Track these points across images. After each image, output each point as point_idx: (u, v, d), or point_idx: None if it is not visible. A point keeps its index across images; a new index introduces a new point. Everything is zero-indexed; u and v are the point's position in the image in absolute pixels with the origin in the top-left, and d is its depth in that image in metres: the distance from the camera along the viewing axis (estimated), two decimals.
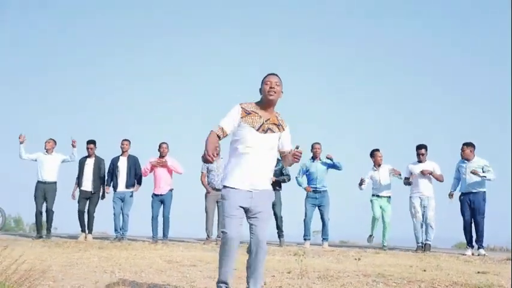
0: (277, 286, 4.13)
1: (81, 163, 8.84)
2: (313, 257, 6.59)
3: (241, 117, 3.30)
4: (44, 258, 5.52)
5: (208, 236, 8.46)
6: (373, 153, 8.40)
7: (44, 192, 8.65)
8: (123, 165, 8.69)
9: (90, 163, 8.81)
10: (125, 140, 8.87)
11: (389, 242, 8.39)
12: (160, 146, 8.68)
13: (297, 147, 3.32)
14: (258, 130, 3.29)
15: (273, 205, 7.69)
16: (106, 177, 8.80)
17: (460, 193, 7.81)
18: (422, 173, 7.94)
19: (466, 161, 7.74)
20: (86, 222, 8.69)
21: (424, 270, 5.33)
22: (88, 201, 8.70)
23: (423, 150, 8.09)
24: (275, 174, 8.03)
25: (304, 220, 8.31)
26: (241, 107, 3.33)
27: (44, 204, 8.69)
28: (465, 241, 7.85)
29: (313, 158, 8.43)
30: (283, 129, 3.41)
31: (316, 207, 8.30)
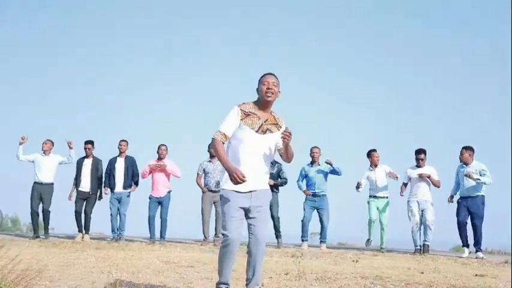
0: (274, 287, 4.13)
1: (79, 164, 8.81)
2: (311, 258, 6.58)
3: (241, 119, 3.29)
4: (40, 258, 5.49)
5: (205, 237, 8.44)
6: (370, 154, 8.39)
7: (40, 193, 8.61)
8: (120, 166, 8.67)
9: (87, 163, 8.78)
10: (123, 140, 8.85)
11: (387, 245, 8.39)
12: (159, 148, 8.66)
13: (286, 128, 3.32)
14: (257, 131, 3.29)
15: (270, 206, 7.65)
16: (104, 178, 8.78)
17: (458, 197, 7.81)
18: (420, 176, 7.93)
19: (464, 165, 7.75)
20: (83, 223, 8.67)
21: (422, 273, 5.32)
22: (85, 202, 8.68)
23: (422, 155, 8.07)
24: (272, 177, 8.02)
25: (302, 221, 8.30)
26: (240, 109, 3.32)
27: (41, 205, 8.66)
28: (462, 244, 7.83)
29: (312, 162, 8.42)
30: (281, 128, 3.41)
31: (315, 210, 8.29)
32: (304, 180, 8.43)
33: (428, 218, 7.83)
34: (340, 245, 10.95)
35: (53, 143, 8.94)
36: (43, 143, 8.83)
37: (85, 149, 8.85)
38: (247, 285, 3.35)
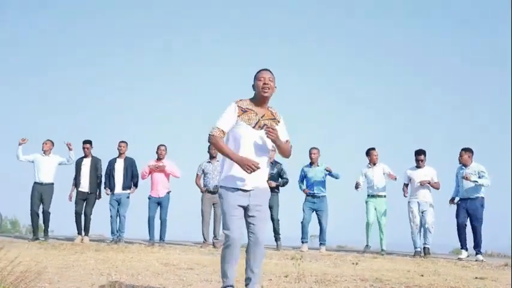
0: None
1: (78, 164, 8.81)
2: (311, 261, 6.57)
3: (238, 116, 3.29)
4: (39, 260, 5.48)
5: (205, 239, 8.43)
6: (369, 152, 8.40)
7: (41, 193, 8.62)
8: (119, 167, 8.67)
9: (86, 163, 8.78)
10: (122, 141, 8.85)
11: (387, 247, 8.36)
12: (158, 148, 8.66)
13: (270, 123, 3.30)
14: (254, 127, 3.28)
15: (271, 208, 7.67)
16: (104, 179, 8.77)
17: (458, 199, 7.81)
18: (422, 184, 7.92)
19: (463, 167, 7.75)
20: (83, 224, 8.65)
21: (422, 275, 5.31)
22: (85, 203, 8.67)
23: (422, 156, 8.07)
24: (273, 178, 8.01)
25: (302, 223, 8.29)
26: (238, 105, 3.31)
27: (41, 206, 8.66)
28: (460, 246, 7.82)
29: (311, 163, 8.42)
30: (279, 122, 3.41)
31: (314, 212, 8.28)
32: (304, 181, 8.44)
33: (428, 220, 7.82)
34: (340, 248, 10.92)
35: (53, 143, 8.94)
36: (43, 143, 8.84)
37: (83, 148, 8.85)
38: (246, 285, 3.34)
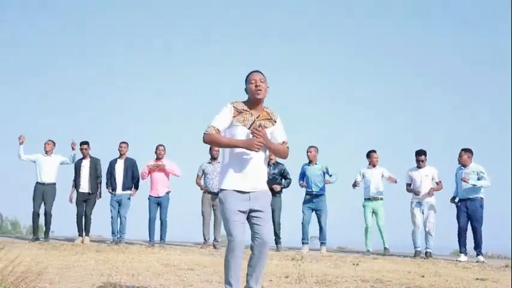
0: None
1: (77, 165, 8.81)
2: (311, 262, 6.56)
3: (233, 116, 3.27)
4: (40, 260, 5.47)
5: (205, 240, 8.43)
6: (369, 154, 8.41)
7: (43, 193, 8.63)
8: (120, 167, 8.69)
9: (86, 164, 8.79)
10: (123, 142, 8.86)
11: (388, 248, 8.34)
12: (157, 148, 8.67)
13: (259, 125, 3.26)
14: (249, 128, 3.26)
15: (273, 211, 7.67)
16: (105, 180, 8.77)
17: (458, 199, 7.81)
18: (429, 194, 7.88)
19: (462, 167, 7.75)
20: (83, 226, 8.66)
21: (423, 276, 5.31)
22: (85, 204, 8.66)
23: (423, 157, 8.07)
24: (275, 178, 8.01)
25: (302, 223, 8.29)
26: (233, 106, 3.30)
27: (43, 207, 8.66)
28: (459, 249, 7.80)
29: (309, 162, 8.42)
30: (275, 122, 3.39)
31: (314, 211, 8.28)
32: (304, 179, 8.44)
33: (429, 224, 7.82)
34: (340, 249, 10.91)
35: (54, 144, 8.96)
36: (45, 144, 8.85)
37: (81, 149, 8.85)
38: (249, 284, 3.33)
